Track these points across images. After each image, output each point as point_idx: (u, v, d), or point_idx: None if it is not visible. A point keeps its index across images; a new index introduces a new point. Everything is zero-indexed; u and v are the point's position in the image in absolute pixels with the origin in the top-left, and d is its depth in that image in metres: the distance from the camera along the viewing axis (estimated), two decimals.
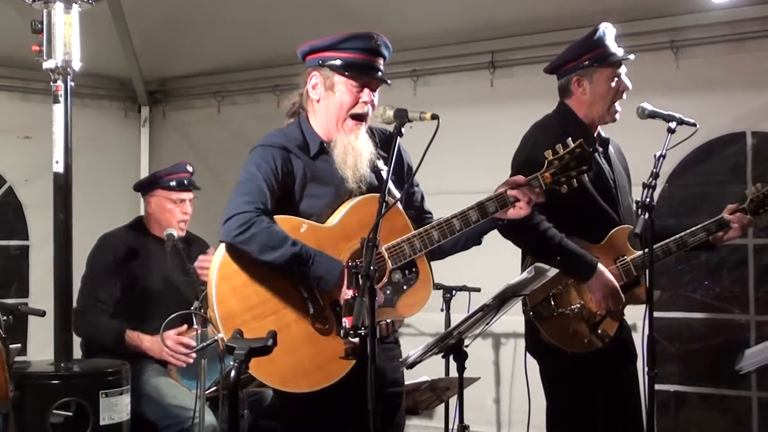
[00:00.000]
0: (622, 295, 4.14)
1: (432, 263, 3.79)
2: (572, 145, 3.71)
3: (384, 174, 3.64)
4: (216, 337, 3.44)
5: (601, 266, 4.11)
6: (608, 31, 4.25)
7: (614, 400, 4.21)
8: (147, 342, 5.02)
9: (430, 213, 3.86)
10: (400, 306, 3.54)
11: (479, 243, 3.80)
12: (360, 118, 3.61)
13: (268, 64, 6.89)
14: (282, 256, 3.38)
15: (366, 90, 3.59)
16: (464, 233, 3.63)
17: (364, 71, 3.58)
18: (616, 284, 4.13)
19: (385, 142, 3.70)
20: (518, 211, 3.63)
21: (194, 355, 4.84)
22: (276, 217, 3.47)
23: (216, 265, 3.44)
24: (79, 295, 5.08)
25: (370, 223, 3.32)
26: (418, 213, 3.80)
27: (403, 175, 3.75)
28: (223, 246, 3.47)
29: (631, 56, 4.26)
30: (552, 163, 3.68)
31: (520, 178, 3.66)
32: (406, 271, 3.55)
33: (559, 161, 3.69)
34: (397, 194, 3.57)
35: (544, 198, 3.67)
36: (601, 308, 4.12)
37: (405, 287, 3.54)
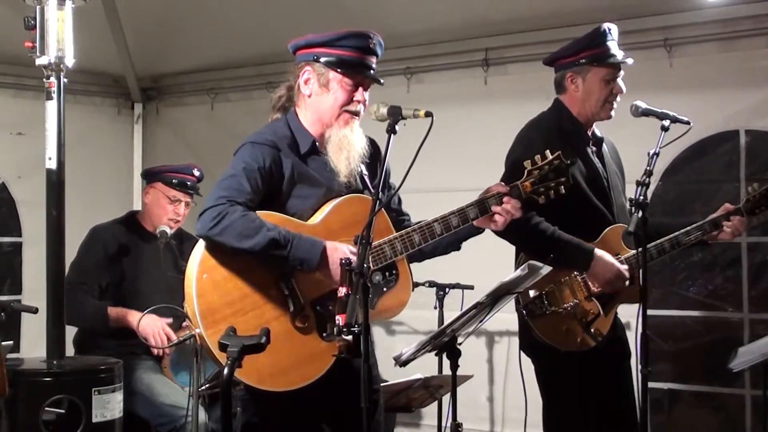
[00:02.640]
0: (626, 273, 4.13)
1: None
2: (550, 156, 3.73)
3: (366, 177, 3.67)
4: (194, 332, 3.40)
5: (598, 251, 4.11)
6: (611, 32, 4.24)
7: (609, 397, 4.22)
8: (131, 314, 5.00)
9: (407, 215, 3.86)
10: (379, 308, 3.53)
11: (458, 249, 3.83)
12: (354, 114, 3.61)
13: (261, 61, 6.88)
14: (259, 243, 3.34)
15: (359, 89, 3.59)
16: (444, 238, 3.64)
17: (358, 70, 3.57)
18: (618, 264, 4.12)
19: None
20: (494, 224, 3.67)
21: (169, 349, 4.90)
22: (258, 213, 3.45)
23: (197, 259, 3.41)
24: (66, 279, 5.06)
25: (353, 223, 3.41)
26: (396, 216, 3.80)
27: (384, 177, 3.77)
28: (202, 240, 3.44)
29: (629, 60, 4.26)
30: (531, 173, 3.70)
31: (502, 188, 3.68)
32: (387, 273, 3.54)
33: (539, 171, 3.71)
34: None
35: (522, 213, 3.68)
36: (609, 291, 4.12)
37: (385, 289, 3.54)
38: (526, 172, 3.70)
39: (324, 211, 3.56)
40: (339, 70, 3.55)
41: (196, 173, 5.39)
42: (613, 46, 4.25)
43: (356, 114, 3.61)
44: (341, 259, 3.26)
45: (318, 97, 3.61)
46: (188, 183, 5.33)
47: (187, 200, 5.32)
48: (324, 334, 3.46)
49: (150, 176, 5.45)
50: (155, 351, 5.01)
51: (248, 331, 3.15)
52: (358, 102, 3.59)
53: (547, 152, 3.73)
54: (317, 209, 3.57)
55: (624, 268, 4.13)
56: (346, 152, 3.57)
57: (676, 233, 4.30)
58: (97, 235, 5.30)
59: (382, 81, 3.63)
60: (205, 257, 3.42)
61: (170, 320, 4.97)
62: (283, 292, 3.45)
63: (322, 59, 3.57)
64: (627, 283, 4.15)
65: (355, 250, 3.38)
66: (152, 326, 4.96)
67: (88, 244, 5.28)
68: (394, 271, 3.58)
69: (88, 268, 5.18)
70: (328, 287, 3.47)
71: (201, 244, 3.44)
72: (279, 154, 3.55)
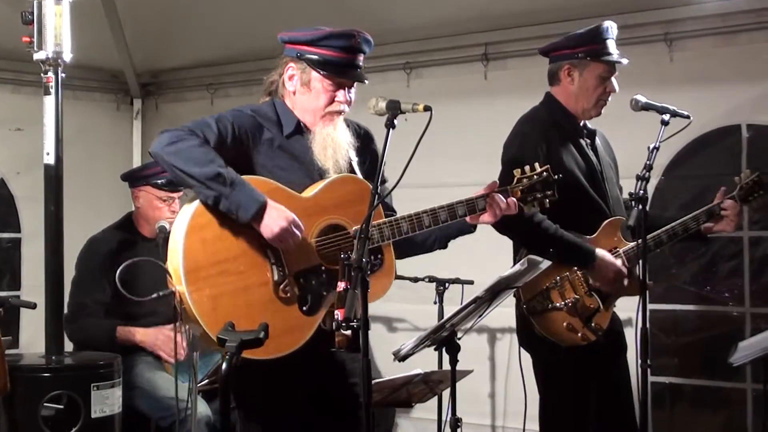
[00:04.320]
0: (624, 271, 4.13)
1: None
2: (539, 168, 3.72)
3: (355, 164, 3.66)
4: (173, 289, 3.35)
5: (599, 251, 4.11)
6: (611, 30, 4.24)
7: (606, 391, 4.23)
8: (140, 334, 5.01)
9: (395, 212, 3.81)
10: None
11: (445, 247, 3.82)
12: (337, 114, 3.60)
13: (261, 56, 6.81)
14: (204, 173, 3.31)
15: (341, 91, 3.57)
16: (433, 234, 3.66)
17: (341, 71, 3.55)
18: (619, 264, 4.13)
19: (358, 135, 3.71)
20: (485, 218, 3.64)
21: (184, 350, 4.86)
22: (253, 177, 3.44)
23: (188, 215, 3.38)
24: (69, 300, 5.04)
25: (346, 202, 3.47)
26: (384, 210, 3.76)
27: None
28: (196, 200, 3.41)
29: (624, 60, 4.25)
30: (520, 181, 3.70)
31: (495, 184, 3.67)
32: (372, 257, 3.52)
33: (528, 180, 3.70)
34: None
35: (516, 210, 3.67)
36: (609, 290, 4.13)
37: (369, 273, 3.52)
38: (515, 179, 3.70)
39: (317, 187, 3.54)
40: (321, 71, 3.54)
41: None
42: (612, 45, 4.25)
43: (339, 113, 3.61)
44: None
45: (301, 95, 3.61)
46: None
47: (180, 194, 5.29)
48: (304, 308, 3.45)
49: (134, 180, 5.41)
50: (166, 357, 5.00)
51: (229, 294, 3.17)
52: (340, 103, 3.58)
53: (536, 164, 3.73)
54: (303, 186, 3.55)
55: (620, 264, 4.14)
56: (331, 150, 3.57)
57: (673, 224, 4.32)
58: (93, 247, 5.27)
59: (366, 81, 3.61)
60: (197, 213, 3.39)
61: (170, 327, 4.96)
62: (269, 259, 3.43)
63: (305, 57, 3.56)
64: (626, 281, 4.15)
65: (294, 217, 3.37)
66: (155, 337, 4.98)
67: (84, 257, 5.25)
68: (379, 256, 3.58)
69: (88, 285, 5.14)
70: (315, 261, 3.48)
71: (194, 202, 3.41)
72: (262, 126, 3.56)
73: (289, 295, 3.43)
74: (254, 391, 3.51)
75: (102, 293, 5.12)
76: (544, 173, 3.72)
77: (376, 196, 3.22)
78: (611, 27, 4.25)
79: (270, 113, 3.62)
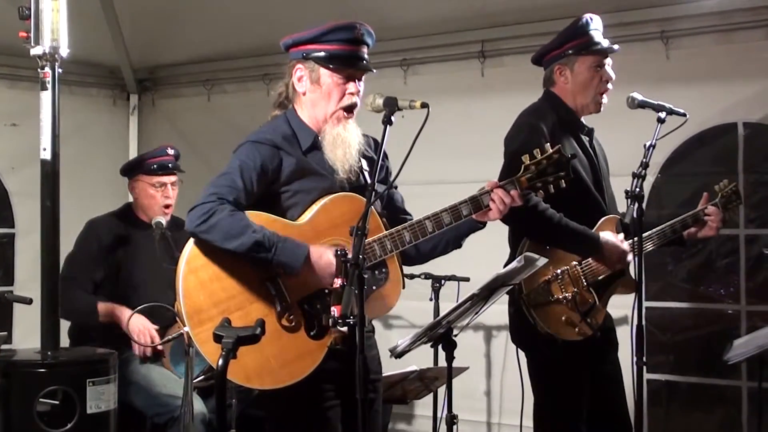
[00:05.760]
0: (628, 249, 4.13)
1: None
2: (550, 150, 3.70)
3: (366, 173, 3.64)
4: (181, 331, 3.43)
5: (602, 235, 4.11)
6: (593, 22, 4.25)
7: (599, 387, 4.23)
8: (119, 310, 5.01)
9: (409, 215, 3.82)
10: (368, 306, 3.45)
11: (459, 246, 3.79)
12: (349, 109, 3.59)
13: (258, 52, 6.86)
14: (243, 245, 3.35)
15: (351, 83, 3.57)
16: (444, 236, 3.64)
17: (348, 62, 3.55)
18: (621, 244, 4.12)
19: (369, 146, 3.70)
20: (491, 214, 3.62)
21: (159, 347, 4.95)
22: (247, 213, 3.44)
23: (184, 258, 3.42)
24: (60, 273, 5.04)
25: (341, 223, 3.42)
26: (398, 214, 3.78)
27: (384, 175, 3.76)
28: (192, 239, 3.44)
29: (616, 47, 4.25)
30: (528, 168, 3.67)
31: (495, 184, 3.65)
32: (376, 272, 3.52)
33: (536, 166, 3.67)
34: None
35: (522, 201, 3.65)
36: (617, 269, 4.14)
37: (374, 287, 3.51)
38: (523, 167, 3.67)
39: (312, 210, 3.53)
40: (329, 66, 3.54)
41: (171, 152, 5.35)
42: (597, 34, 4.25)
43: (351, 109, 3.59)
44: (336, 250, 3.26)
45: (312, 94, 3.60)
46: (169, 165, 5.29)
47: (172, 180, 5.30)
48: (312, 333, 3.46)
49: (129, 171, 5.42)
50: (138, 350, 4.99)
51: None
52: (352, 94, 3.57)
53: (547, 146, 3.71)
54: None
55: (626, 245, 4.14)
56: (341, 150, 3.56)
57: (662, 226, 4.35)
58: (92, 229, 5.30)
59: (374, 70, 3.61)
60: (192, 256, 3.43)
61: (157, 327, 5.00)
62: (269, 292, 3.45)
63: (312, 56, 3.56)
64: (629, 258, 4.16)
65: (333, 256, 3.39)
66: (139, 325, 4.96)
67: (83, 238, 5.28)
68: (384, 270, 3.56)
69: (81, 263, 5.17)
70: (316, 286, 3.47)
71: (190, 242, 3.45)
72: (279, 152, 3.54)
73: (294, 323, 3.45)
74: (283, 402, 3.52)
75: (95, 272, 5.16)
76: (555, 155, 3.68)
77: (373, 193, 3.22)
78: (592, 18, 4.26)
79: (285, 130, 3.60)
